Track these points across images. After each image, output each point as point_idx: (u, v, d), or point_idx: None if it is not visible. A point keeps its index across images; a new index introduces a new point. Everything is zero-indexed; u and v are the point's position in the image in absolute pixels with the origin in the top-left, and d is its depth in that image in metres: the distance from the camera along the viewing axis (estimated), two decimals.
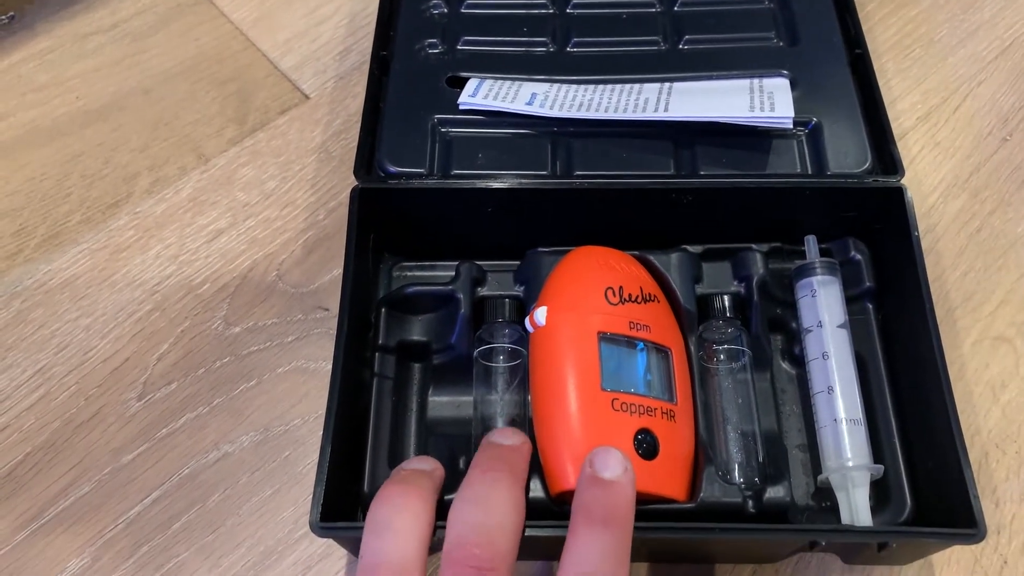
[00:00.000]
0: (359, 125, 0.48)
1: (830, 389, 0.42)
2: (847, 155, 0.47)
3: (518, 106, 0.48)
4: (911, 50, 0.61)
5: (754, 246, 0.47)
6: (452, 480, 0.38)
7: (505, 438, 0.38)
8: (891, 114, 0.48)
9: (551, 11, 0.54)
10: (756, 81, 0.49)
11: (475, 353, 0.44)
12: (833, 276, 0.45)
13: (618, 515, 0.33)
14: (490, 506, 0.33)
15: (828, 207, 0.46)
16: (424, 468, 0.37)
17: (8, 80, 0.60)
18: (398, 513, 0.33)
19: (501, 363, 0.43)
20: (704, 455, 0.40)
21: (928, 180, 0.55)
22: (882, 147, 0.47)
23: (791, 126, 0.46)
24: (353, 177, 0.45)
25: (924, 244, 0.43)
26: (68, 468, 0.46)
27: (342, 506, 0.39)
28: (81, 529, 0.44)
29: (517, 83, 0.50)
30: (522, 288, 0.46)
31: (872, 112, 0.48)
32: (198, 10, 0.63)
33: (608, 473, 0.33)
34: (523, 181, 0.46)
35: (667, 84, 0.50)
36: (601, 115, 0.48)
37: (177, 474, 0.46)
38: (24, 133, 0.58)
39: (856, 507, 0.39)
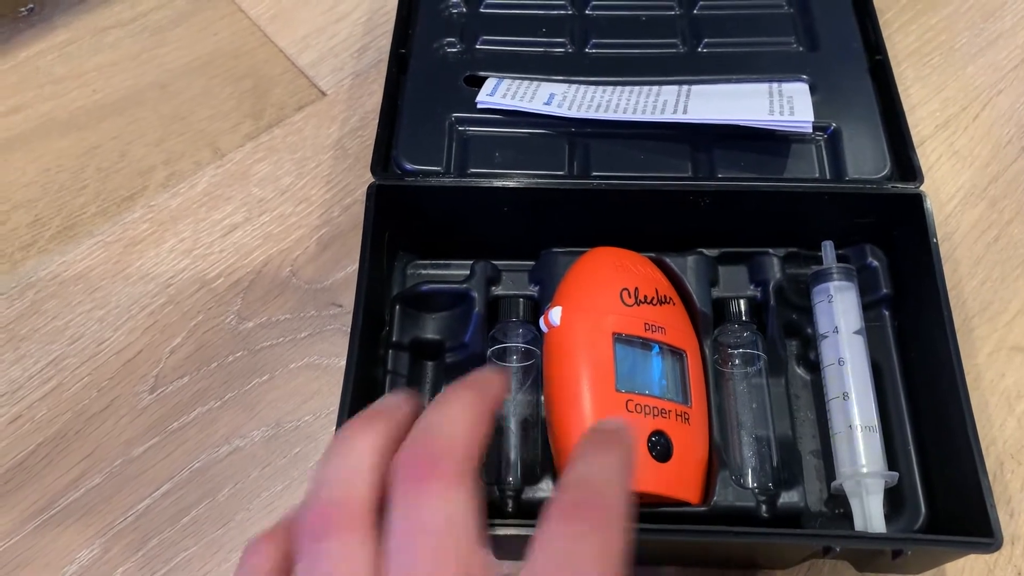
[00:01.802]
0: (375, 123, 0.48)
1: (845, 395, 0.42)
2: (866, 161, 0.47)
3: (536, 106, 0.48)
4: (930, 58, 0.60)
5: (771, 250, 0.46)
6: None
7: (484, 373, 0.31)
8: (909, 121, 0.48)
9: (570, 12, 0.54)
10: (775, 85, 0.49)
11: (488, 352, 0.44)
12: (850, 282, 0.45)
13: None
14: (442, 410, 0.29)
15: (846, 212, 0.46)
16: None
17: (26, 72, 0.60)
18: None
19: (514, 363, 0.43)
20: (718, 459, 0.40)
21: (946, 188, 0.54)
22: (901, 153, 0.47)
23: (810, 130, 0.46)
24: (369, 174, 0.45)
25: (941, 252, 0.43)
26: (79, 459, 0.46)
27: None
28: (91, 521, 0.44)
29: (535, 83, 0.50)
30: (537, 288, 0.46)
31: (891, 118, 0.48)
32: (216, 5, 0.63)
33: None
34: (540, 181, 0.46)
35: (686, 86, 0.50)
36: (619, 116, 0.48)
37: (188, 468, 0.45)
38: (41, 125, 0.58)
39: (870, 514, 0.39)
